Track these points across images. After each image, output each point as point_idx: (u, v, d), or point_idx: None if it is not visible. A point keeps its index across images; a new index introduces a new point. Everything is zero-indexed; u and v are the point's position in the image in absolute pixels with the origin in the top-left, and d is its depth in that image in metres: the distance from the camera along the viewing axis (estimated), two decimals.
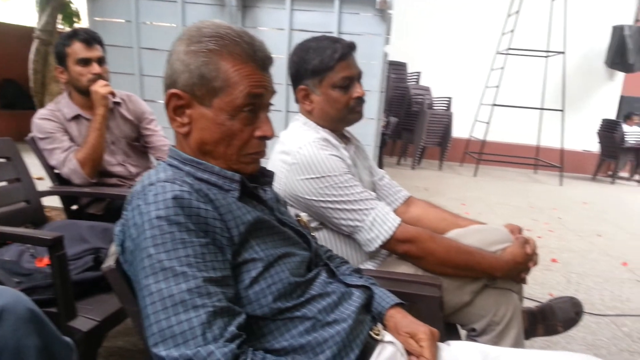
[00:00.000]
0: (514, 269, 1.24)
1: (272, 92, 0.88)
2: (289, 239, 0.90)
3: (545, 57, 7.67)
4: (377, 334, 0.88)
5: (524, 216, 4.60)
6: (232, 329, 0.69)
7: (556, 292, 2.64)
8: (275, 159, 1.30)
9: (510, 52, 7.32)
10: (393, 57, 6.18)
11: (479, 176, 7.18)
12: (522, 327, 1.30)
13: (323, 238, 1.28)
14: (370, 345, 0.86)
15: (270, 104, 0.89)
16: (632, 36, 8.25)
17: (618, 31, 8.42)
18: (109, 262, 0.81)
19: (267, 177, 0.96)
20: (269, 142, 0.90)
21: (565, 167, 7.44)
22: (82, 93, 1.86)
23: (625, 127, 7.92)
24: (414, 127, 7.31)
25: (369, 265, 1.32)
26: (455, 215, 1.50)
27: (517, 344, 1.25)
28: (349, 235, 1.27)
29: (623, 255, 3.54)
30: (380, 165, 5.68)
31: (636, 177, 8.27)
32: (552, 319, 1.48)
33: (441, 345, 0.93)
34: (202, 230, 0.74)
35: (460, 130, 7.98)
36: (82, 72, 1.82)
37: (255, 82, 0.83)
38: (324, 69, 1.26)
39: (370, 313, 0.95)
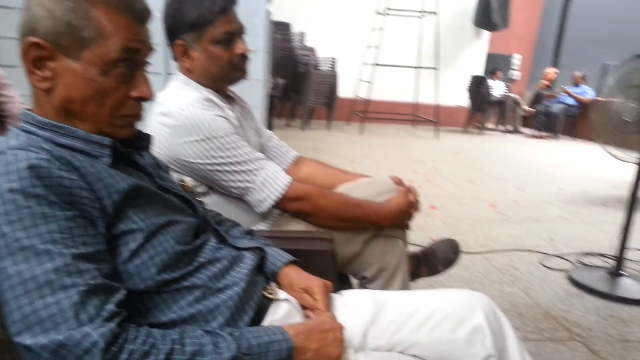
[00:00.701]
0: (399, 217, 1.31)
1: (151, 48, 0.80)
2: (172, 206, 0.84)
3: (420, 17, 8.04)
4: (271, 294, 0.88)
5: (406, 169, 4.90)
6: (110, 306, 0.64)
7: (436, 235, 2.86)
8: (154, 122, 1.21)
9: (389, 12, 7.57)
10: (277, 17, 6.07)
11: (365, 134, 7.46)
12: (407, 270, 1.39)
13: (211, 202, 1.24)
14: (265, 305, 0.86)
15: (148, 63, 0.81)
16: None
17: None
18: None
19: (144, 141, 0.88)
20: (146, 106, 0.83)
21: (440, 122, 7.99)
22: None
23: (491, 82, 8.68)
24: (301, 89, 7.34)
25: (261, 226, 1.31)
26: (343, 171, 1.53)
27: (404, 287, 1.34)
28: (239, 198, 1.25)
29: (491, 198, 3.93)
30: (270, 127, 5.64)
31: (501, 127, 9.18)
32: (434, 261, 1.60)
33: (334, 295, 0.96)
34: (66, 202, 0.66)
35: (345, 90, 8.17)
36: None
37: (132, 35, 0.75)
38: (203, 22, 1.18)
39: (264, 274, 0.95)
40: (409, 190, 1.35)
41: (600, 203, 4.07)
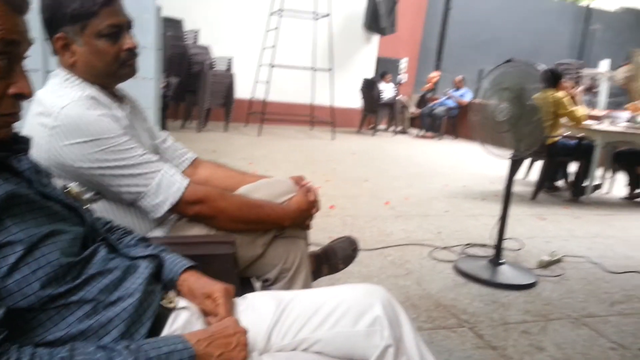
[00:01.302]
0: (299, 217, 1.32)
1: (29, 42, 0.72)
2: (56, 215, 0.77)
3: (314, 19, 8.20)
4: (170, 302, 0.84)
5: (304, 169, 4.96)
6: None
7: (335, 234, 2.88)
8: (33, 122, 1.10)
9: (282, 13, 7.62)
10: (168, 13, 5.83)
11: (263, 135, 7.45)
12: (309, 270, 1.40)
13: (101, 209, 1.15)
14: (164, 315, 0.82)
15: (26, 57, 0.73)
16: (383, 2, 9.39)
17: None
18: None
19: (22, 143, 0.80)
20: (24, 105, 0.74)
21: (336, 123, 8.22)
22: None
23: (382, 85, 9.10)
24: (197, 89, 7.12)
25: (157, 233, 1.24)
26: (243, 172, 1.51)
27: (305, 286, 1.35)
28: (131, 203, 1.17)
29: (386, 196, 4.13)
30: (164, 129, 5.40)
31: (392, 128, 9.67)
32: (334, 258, 1.64)
33: (237, 299, 0.94)
34: None
35: (242, 91, 8.09)
36: None
37: (9, 26, 0.67)
38: (86, 14, 1.09)
39: (161, 282, 0.90)
40: (308, 190, 1.36)
41: (480, 197, 4.45)
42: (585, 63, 10.62)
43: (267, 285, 1.35)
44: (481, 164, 6.34)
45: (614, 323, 2.13)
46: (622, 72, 12.03)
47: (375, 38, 10.09)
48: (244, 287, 1.24)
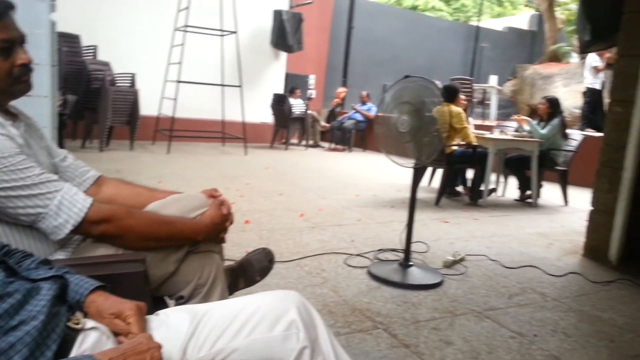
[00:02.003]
0: (213, 231, 1.31)
1: (21, 33, 0.68)
2: None
3: (221, 35, 8.16)
4: (77, 324, 0.81)
5: (217, 186, 4.80)
6: None
7: (252, 249, 2.89)
8: None
9: (188, 29, 7.50)
10: (63, 29, 5.51)
11: (173, 153, 7.23)
12: (225, 284, 1.39)
13: None
14: (71, 337, 0.78)
15: None
16: (289, 20, 9.59)
17: (278, 15, 9.63)
18: None
19: None
20: None
21: (248, 138, 8.19)
22: None
23: (292, 100, 9.24)
24: (97, 106, 6.76)
25: (60, 255, 1.17)
26: (151, 189, 1.47)
27: (222, 300, 1.34)
28: (30, 226, 1.10)
29: (300, 208, 4.18)
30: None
31: (303, 142, 9.82)
32: (251, 271, 1.64)
33: (150, 317, 0.92)
34: None
35: (149, 107, 7.81)
36: None
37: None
38: None
39: (67, 304, 0.86)
40: (222, 203, 1.36)
41: (389, 205, 4.65)
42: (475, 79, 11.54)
43: (182, 302, 1.32)
44: (389, 173, 6.64)
45: (513, 314, 2.32)
46: (509, 86, 13.20)
47: (283, 55, 10.25)
48: (157, 306, 1.20)
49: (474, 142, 4.96)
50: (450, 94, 5.06)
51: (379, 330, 2.04)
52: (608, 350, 2.02)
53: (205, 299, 1.32)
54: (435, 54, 13.93)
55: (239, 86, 7.93)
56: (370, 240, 3.38)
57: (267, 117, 9.75)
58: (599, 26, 3.54)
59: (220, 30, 7.94)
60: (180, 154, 7.28)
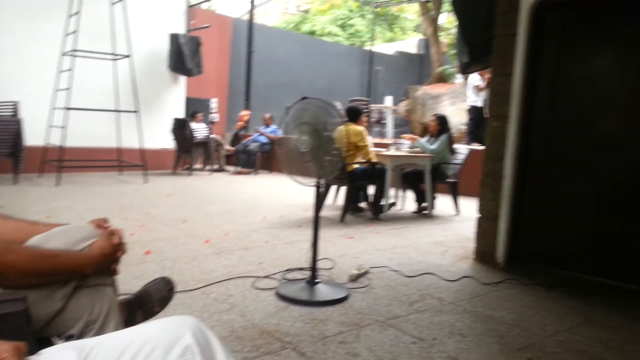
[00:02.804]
0: (104, 262, 1.25)
1: None
2: None
3: (113, 59, 7.83)
4: None
5: (115, 217, 4.63)
6: None
7: None
8: None
9: (77, 54, 7.11)
10: None
11: (63, 185, 6.73)
12: (120, 318, 1.32)
13: None
14: None
15: None
16: (187, 44, 9.44)
17: (175, 39, 9.46)
18: None
19: None
20: None
21: (148, 166, 7.87)
22: None
23: (193, 125, 9.05)
24: None
25: None
26: (33, 222, 1.37)
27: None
28: None
29: (205, 235, 4.08)
30: None
31: (208, 167, 9.63)
32: (149, 302, 1.57)
33: (30, 358, 0.85)
34: None
35: (34, 137, 7.24)
36: None
37: None
38: None
39: None
40: (112, 232, 1.30)
41: (296, 225, 4.70)
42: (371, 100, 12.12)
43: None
44: (295, 194, 6.71)
45: (413, 320, 2.44)
46: (403, 106, 14.00)
47: (183, 79, 10.05)
48: (43, 346, 1.11)
49: (374, 159, 5.21)
50: (353, 115, 5.31)
51: (288, 350, 2.05)
52: (498, 345, 2.19)
53: (98, 335, 1.24)
54: (333, 77, 14.45)
55: (135, 111, 7.62)
56: (278, 261, 3.39)
57: (168, 142, 9.45)
58: (475, 48, 3.91)
59: (113, 54, 7.61)
60: (71, 185, 6.79)
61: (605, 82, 3.15)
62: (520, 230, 3.50)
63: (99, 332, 1.24)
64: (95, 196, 6.02)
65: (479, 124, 8.79)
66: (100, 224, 1.33)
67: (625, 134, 3.10)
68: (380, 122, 10.78)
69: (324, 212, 5.43)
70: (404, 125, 13.90)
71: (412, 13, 22.77)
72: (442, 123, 5.79)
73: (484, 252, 3.60)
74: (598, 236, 3.15)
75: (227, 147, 10.32)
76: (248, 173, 9.61)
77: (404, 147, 6.17)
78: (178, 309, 2.36)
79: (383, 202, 5.28)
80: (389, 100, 12.32)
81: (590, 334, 2.35)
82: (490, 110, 3.62)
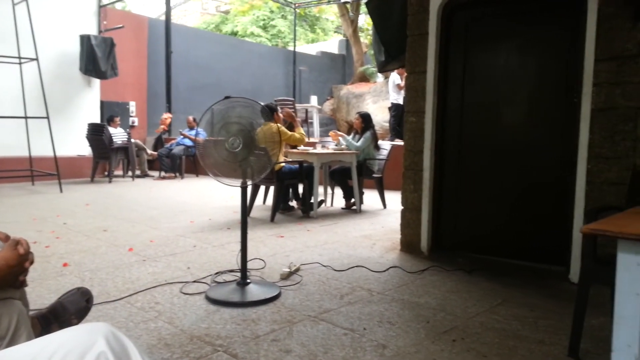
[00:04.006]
0: (9, 274, 1.16)
1: None
2: None
3: (19, 63, 7.29)
4: None
5: (27, 230, 4.32)
6: None
7: None
8: None
9: None
10: None
11: None
12: (31, 333, 1.24)
13: None
14: None
15: None
16: (99, 45, 8.99)
17: (86, 40, 8.97)
18: None
19: None
20: None
21: (63, 174, 7.40)
22: None
23: (111, 130, 8.63)
24: None
25: None
26: None
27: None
28: None
29: (128, 243, 3.91)
30: None
31: (129, 173, 9.21)
32: (65, 315, 1.48)
33: None
34: None
35: None
36: None
37: None
38: None
39: None
40: (17, 243, 1.21)
41: (226, 227, 4.62)
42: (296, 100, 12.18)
43: None
44: (224, 196, 6.60)
45: (344, 312, 2.49)
46: (328, 105, 14.18)
47: (97, 82, 9.55)
48: None
49: (304, 140, 5.28)
50: (269, 113, 5.29)
51: (219, 352, 2.01)
52: (425, 330, 2.28)
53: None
54: (258, 78, 14.35)
55: (46, 117, 7.13)
56: (208, 265, 3.32)
57: (84, 149, 8.94)
58: (391, 48, 4.05)
59: (18, 57, 7.08)
60: None
61: (506, 78, 3.37)
62: (442, 220, 3.67)
63: (9, 347, 1.15)
64: (4, 209, 5.57)
65: (401, 120, 9.11)
66: (4, 237, 1.23)
67: (525, 127, 3.33)
68: (307, 121, 10.87)
69: (254, 213, 5.39)
70: (330, 124, 14.10)
71: (332, 14, 23.14)
72: (365, 120, 5.93)
73: (409, 243, 3.74)
74: (509, 222, 3.38)
75: (150, 151, 9.94)
76: (173, 177, 9.32)
77: (331, 144, 6.25)
78: (100, 320, 2.23)
79: (312, 200, 5.32)
80: (314, 100, 12.44)
81: (508, 313, 2.51)
82: (407, 107, 3.76)
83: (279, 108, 5.56)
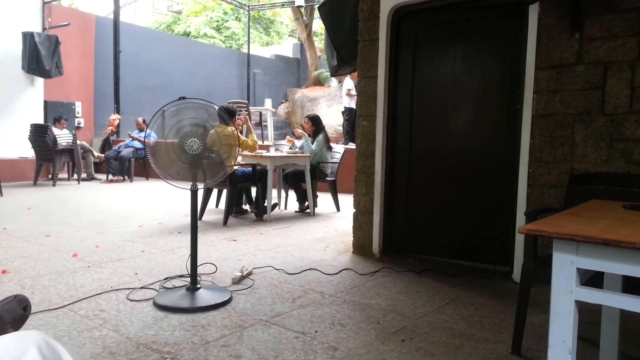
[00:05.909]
0: None
1: None
2: None
3: None
4: None
5: None
6: None
7: None
8: None
9: None
10: None
11: None
12: None
13: None
14: None
15: None
16: (43, 43, 8.61)
17: (29, 37, 8.57)
18: None
19: None
20: None
21: (3, 177, 7.03)
22: None
23: (57, 131, 8.27)
24: None
25: None
26: None
27: None
28: None
29: (72, 248, 3.76)
30: None
31: (75, 176, 8.85)
32: (0, 324, 1.41)
33: None
34: None
35: None
36: None
37: None
38: None
39: None
40: None
41: (176, 231, 4.52)
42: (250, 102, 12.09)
43: None
44: (175, 200, 6.45)
45: (296, 315, 2.49)
46: (282, 108, 14.16)
47: (40, 81, 9.13)
48: None
49: (256, 148, 5.24)
50: (227, 116, 5.22)
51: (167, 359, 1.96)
52: (375, 331, 2.32)
53: None
54: (211, 79, 14.14)
55: None
56: (157, 270, 3.23)
57: (27, 150, 8.52)
58: (343, 52, 4.09)
59: None
60: None
61: (453, 83, 3.48)
62: (393, 222, 3.73)
63: None
64: None
65: (354, 124, 9.21)
66: None
67: (471, 131, 3.45)
68: (261, 124, 10.80)
69: (206, 217, 5.30)
70: (284, 127, 14.08)
71: (286, 18, 23.14)
72: (315, 123, 5.94)
73: (361, 245, 3.78)
74: (456, 224, 3.48)
75: (96, 153, 9.59)
76: (121, 181, 9.02)
77: (284, 148, 6.24)
78: (41, 329, 2.14)
79: (266, 203, 5.30)
80: (268, 103, 12.39)
81: (455, 312, 2.58)
82: (359, 111, 3.81)
83: (237, 113, 5.51)
